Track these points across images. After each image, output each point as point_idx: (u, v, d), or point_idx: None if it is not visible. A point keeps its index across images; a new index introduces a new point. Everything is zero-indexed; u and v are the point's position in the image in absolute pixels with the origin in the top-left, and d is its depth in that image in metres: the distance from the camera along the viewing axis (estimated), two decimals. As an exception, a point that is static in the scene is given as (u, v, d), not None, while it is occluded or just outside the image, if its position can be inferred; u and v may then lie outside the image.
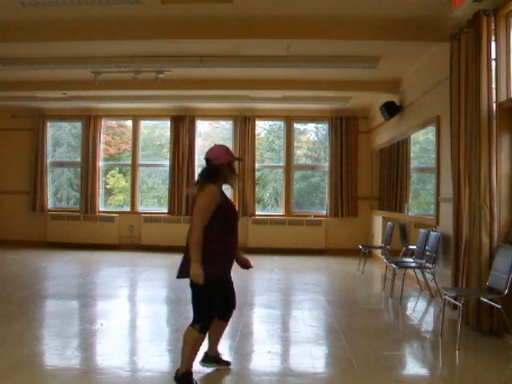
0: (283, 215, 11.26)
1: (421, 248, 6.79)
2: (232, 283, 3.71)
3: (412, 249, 7.38)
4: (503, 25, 5.03)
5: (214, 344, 3.86)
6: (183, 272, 3.45)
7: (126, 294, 7.13)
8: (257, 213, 11.22)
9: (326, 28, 6.13)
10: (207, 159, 3.62)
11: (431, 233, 6.59)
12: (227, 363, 3.92)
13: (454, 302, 5.16)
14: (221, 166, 3.58)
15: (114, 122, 12.31)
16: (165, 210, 11.47)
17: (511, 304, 4.56)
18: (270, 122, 12.13)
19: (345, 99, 10.02)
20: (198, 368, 3.84)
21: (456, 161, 5.52)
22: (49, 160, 11.72)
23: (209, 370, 3.83)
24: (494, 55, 5.02)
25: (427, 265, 6.35)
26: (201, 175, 3.62)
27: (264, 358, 4.14)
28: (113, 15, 5.99)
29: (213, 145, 3.73)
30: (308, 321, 5.32)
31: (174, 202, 11.20)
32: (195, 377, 3.54)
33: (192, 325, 3.47)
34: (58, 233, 11.30)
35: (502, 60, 5.03)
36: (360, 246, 9.08)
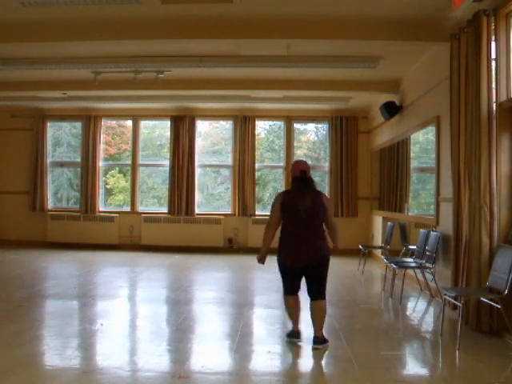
0: (283, 215, 11.23)
1: (421, 248, 6.79)
2: None
3: (412, 249, 7.38)
4: (503, 25, 5.02)
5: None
6: (325, 256, 4.42)
7: (125, 294, 7.13)
8: (257, 213, 11.21)
9: (325, 28, 6.13)
10: (306, 172, 4.55)
11: (431, 233, 6.59)
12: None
13: (454, 302, 5.16)
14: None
15: (114, 122, 12.31)
16: (165, 209, 11.47)
17: (511, 304, 4.56)
18: (270, 122, 12.12)
19: (345, 99, 10.01)
20: (198, 368, 3.84)
21: (456, 161, 5.52)
22: (49, 160, 11.72)
23: (208, 370, 3.84)
24: (494, 55, 5.01)
25: (427, 265, 6.35)
26: (315, 187, 4.56)
27: (264, 357, 4.14)
28: (113, 15, 5.99)
29: (299, 160, 5.00)
30: (308, 321, 5.32)
31: (174, 202, 11.20)
32: (192, 377, 3.52)
33: (323, 298, 4.42)
34: (58, 233, 11.29)
35: (502, 60, 5.03)
36: (360, 246, 9.07)
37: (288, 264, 4.43)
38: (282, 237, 4.49)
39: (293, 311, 4.58)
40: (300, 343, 4.49)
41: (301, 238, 4.37)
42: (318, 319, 4.43)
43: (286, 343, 4.50)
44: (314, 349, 4.33)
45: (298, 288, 4.54)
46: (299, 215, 4.38)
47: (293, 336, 4.54)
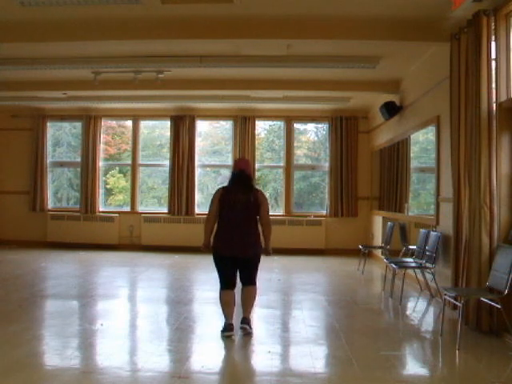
0: (283, 215, 11.26)
1: (421, 248, 6.79)
2: None
3: (412, 249, 7.38)
4: (503, 25, 5.02)
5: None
6: (256, 250, 4.82)
7: (126, 294, 7.13)
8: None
9: (325, 28, 6.12)
10: (245, 171, 4.90)
11: (431, 233, 6.58)
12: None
13: (454, 302, 5.16)
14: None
15: (114, 122, 12.31)
16: (165, 210, 11.47)
17: (511, 304, 4.56)
18: (270, 122, 12.12)
19: (345, 99, 10.01)
20: (198, 368, 3.84)
21: (456, 161, 5.52)
22: (49, 160, 11.72)
23: (208, 370, 3.84)
24: (494, 55, 5.01)
25: (427, 265, 6.35)
26: (251, 183, 4.89)
27: (264, 358, 4.14)
28: (113, 15, 5.99)
29: (239, 158, 5.29)
30: (308, 321, 5.32)
31: (173, 202, 11.20)
32: (192, 377, 3.52)
33: (254, 284, 4.84)
34: (58, 233, 11.29)
35: (502, 60, 5.03)
36: (360, 246, 9.07)
37: (221, 252, 4.74)
38: (219, 229, 4.83)
39: (227, 307, 4.76)
40: (234, 337, 4.60)
41: (236, 232, 4.71)
42: (247, 302, 4.82)
43: (222, 338, 4.60)
44: (241, 328, 4.69)
45: (233, 283, 4.83)
46: (235, 209, 4.72)
47: (226, 329, 4.67)
